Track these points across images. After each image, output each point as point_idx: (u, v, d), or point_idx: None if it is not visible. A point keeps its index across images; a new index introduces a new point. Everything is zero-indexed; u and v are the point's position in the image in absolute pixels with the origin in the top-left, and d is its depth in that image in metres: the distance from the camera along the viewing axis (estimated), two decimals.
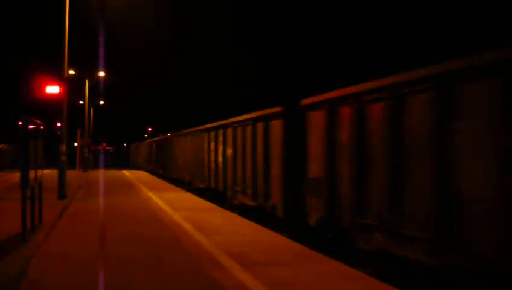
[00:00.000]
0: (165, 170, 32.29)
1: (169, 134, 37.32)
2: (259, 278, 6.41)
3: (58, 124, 20.17)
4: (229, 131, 16.03)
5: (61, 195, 16.26)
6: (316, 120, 9.81)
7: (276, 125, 11.79)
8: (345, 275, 6.71)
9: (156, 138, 44.47)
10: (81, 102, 45.37)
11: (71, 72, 31.16)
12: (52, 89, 17.60)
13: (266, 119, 12.48)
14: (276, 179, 11.74)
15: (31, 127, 9.51)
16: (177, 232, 10.11)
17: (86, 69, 41.19)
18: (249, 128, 13.88)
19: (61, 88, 17.22)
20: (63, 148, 16.88)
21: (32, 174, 9.16)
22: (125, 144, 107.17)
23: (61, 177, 16.46)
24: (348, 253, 8.44)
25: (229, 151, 16.01)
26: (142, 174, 36.50)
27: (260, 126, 12.91)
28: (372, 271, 7.32)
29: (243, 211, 13.89)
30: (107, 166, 55.77)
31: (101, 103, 56.99)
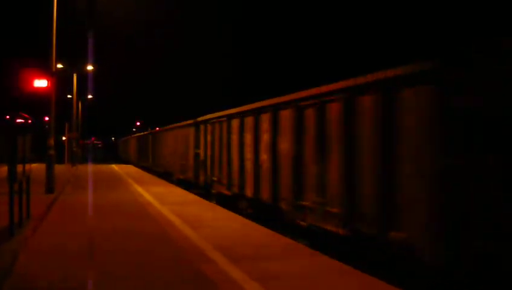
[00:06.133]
0: (142, 161, 39.31)
1: (157, 128, 37.34)
2: (247, 272, 6.46)
3: (46, 118, 20.02)
4: (172, 133, 24.75)
5: (49, 189, 16.17)
6: (203, 129, 17.98)
7: (191, 131, 19.85)
8: (332, 269, 6.78)
9: (139, 134, 47.33)
10: (69, 96, 45.04)
11: (59, 65, 30.91)
12: (40, 83, 17.46)
13: (188, 126, 20.69)
14: (191, 162, 19.78)
15: (18, 121, 9.46)
16: (166, 226, 10.12)
17: (74, 62, 40.88)
18: (182, 132, 22.30)
19: (49, 82, 17.09)
20: (51, 142, 16.75)
21: (20, 168, 9.11)
22: (113, 138, 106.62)
23: (49, 171, 16.35)
24: (340, 249, 8.52)
25: (173, 147, 24.37)
26: (131, 169, 36.39)
27: (185, 131, 21.29)
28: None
29: (180, 182, 21.94)
30: (96, 160, 55.53)
31: (90, 96, 56.64)
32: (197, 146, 18.89)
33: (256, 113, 12.10)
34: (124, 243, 8.47)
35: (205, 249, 7.85)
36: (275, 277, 6.30)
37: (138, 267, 6.79)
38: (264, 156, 11.53)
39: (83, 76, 43.65)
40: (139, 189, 18.56)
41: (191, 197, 16.24)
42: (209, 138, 17.05)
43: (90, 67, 41.38)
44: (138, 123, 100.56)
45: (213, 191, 16.25)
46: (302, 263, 7.05)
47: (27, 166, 9.55)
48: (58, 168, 21.15)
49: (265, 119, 11.54)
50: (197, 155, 18.71)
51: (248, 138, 12.78)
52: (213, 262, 7.04)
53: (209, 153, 16.98)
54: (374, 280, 6.15)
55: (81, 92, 49.88)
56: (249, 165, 12.59)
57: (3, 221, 9.01)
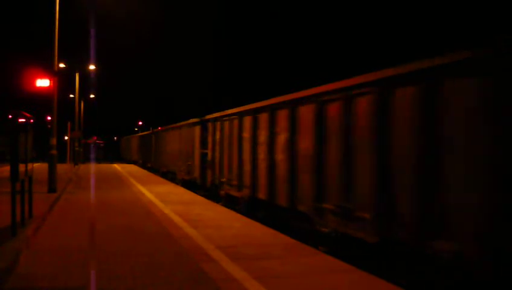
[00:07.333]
0: (141, 159, 41.55)
1: (159, 128, 37.39)
2: (248, 271, 6.47)
3: (49, 118, 20.04)
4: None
5: (52, 188, 16.21)
6: (212, 128, 17.48)
7: (197, 129, 19.83)
8: (333, 267, 6.80)
9: (140, 134, 48.75)
10: (71, 95, 45.09)
11: (61, 65, 30.95)
12: (43, 82, 17.49)
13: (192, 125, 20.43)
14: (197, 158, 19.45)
15: (21, 120, 9.47)
16: (168, 225, 10.15)
17: (77, 62, 40.92)
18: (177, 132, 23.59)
19: (52, 81, 17.13)
20: (53, 141, 16.79)
21: (22, 167, 9.13)
22: (115, 138, 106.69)
23: (52, 170, 16.39)
24: (336, 246, 8.53)
25: (171, 145, 25.56)
26: (133, 168, 36.43)
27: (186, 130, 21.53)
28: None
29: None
30: (98, 160, 55.60)
31: (92, 96, 56.72)
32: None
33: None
34: (126, 242, 8.49)
35: (207, 249, 7.87)
36: (275, 276, 6.31)
37: (140, 266, 6.81)
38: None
39: (85, 76, 43.74)
40: (142, 188, 18.58)
41: (192, 196, 16.25)
42: (217, 137, 16.87)
43: (92, 67, 41.43)
44: (140, 123, 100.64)
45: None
46: (303, 262, 7.06)
47: (29, 165, 9.54)
48: (61, 167, 21.20)
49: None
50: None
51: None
52: (214, 261, 7.06)
53: (217, 153, 17.11)
54: (375, 279, 6.16)
55: (83, 92, 50.02)
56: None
57: (6, 220, 9.05)
